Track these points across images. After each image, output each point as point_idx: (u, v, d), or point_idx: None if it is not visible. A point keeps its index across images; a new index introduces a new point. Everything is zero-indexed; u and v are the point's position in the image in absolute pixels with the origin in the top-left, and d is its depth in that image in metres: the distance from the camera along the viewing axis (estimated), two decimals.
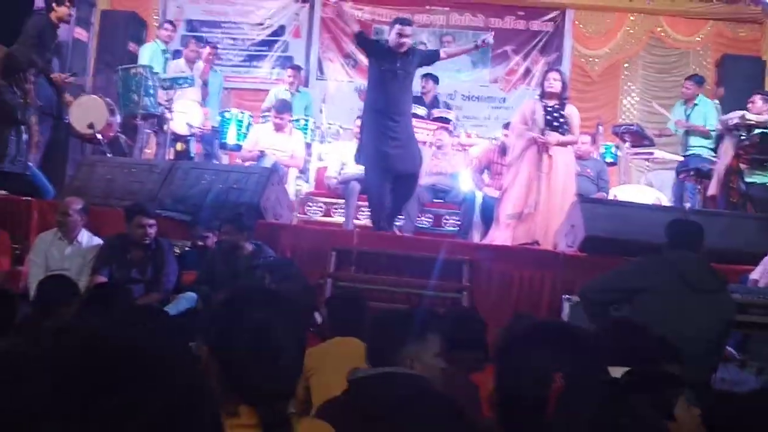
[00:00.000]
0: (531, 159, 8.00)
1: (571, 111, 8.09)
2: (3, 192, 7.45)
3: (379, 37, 7.81)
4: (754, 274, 6.31)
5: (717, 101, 9.89)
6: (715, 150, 9.11)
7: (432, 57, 8.25)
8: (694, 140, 9.93)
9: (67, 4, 8.72)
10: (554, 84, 8.11)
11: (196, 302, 6.25)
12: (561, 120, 8.02)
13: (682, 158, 9.96)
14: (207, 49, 11.29)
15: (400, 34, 7.69)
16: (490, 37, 8.24)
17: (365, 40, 7.85)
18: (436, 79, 10.98)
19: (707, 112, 9.96)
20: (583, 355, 2.00)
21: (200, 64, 10.69)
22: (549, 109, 8.08)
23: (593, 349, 2.08)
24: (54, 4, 8.62)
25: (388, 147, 7.65)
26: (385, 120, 7.70)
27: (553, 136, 7.94)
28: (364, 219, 8.89)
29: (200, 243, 6.93)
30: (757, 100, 9.12)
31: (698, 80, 10.43)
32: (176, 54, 11.57)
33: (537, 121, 8.03)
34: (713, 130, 9.70)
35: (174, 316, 4.94)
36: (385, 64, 7.71)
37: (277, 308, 2.02)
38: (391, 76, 7.69)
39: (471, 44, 8.54)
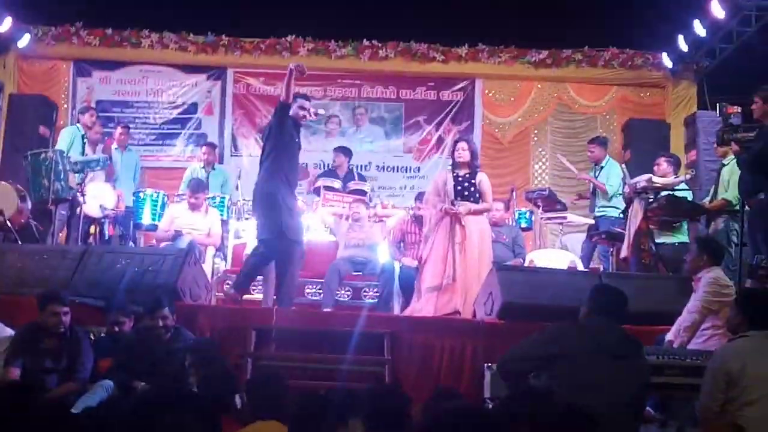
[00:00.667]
0: (445, 230, 8.11)
1: (481, 178, 8.23)
2: None
3: None
4: (669, 335, 6.41)
5: (623, 165, 10.14)
6: (625, 212, 9.32)
7: (279, 110, 7.97)
8: (600, 200, 10.17)
9: None
10: (462, 154, 8.30)
11: (113, 390, 6.11)
12: (471, 189, 8.15)
13: (593, 221, 10.17)
14: (119, 129, 11.24)
15: (302, 108, 7.87)
16: (321, 111, 8.62)
17: (287, 109, 7.83)
18: (347, 152, 11.14)
19: (609, 173, 10.21)
20: None
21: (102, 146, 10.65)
22: (460, 178, 8.24)
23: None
24: None
25: (291, 215, 7.77)
26: (293, 190, 7.96)
27: (464, 206, 8.06)
28: None
29: (116, 328, 6.79)
30: (662, 162, 9.39)
31: (602, 141, 10.73)
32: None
33: (448, 191, 8.19)
34: (618, 193, 9.93)
35: (89, 410, 4.81)
36: (296, 136, 7.89)
37: (188, 409, 2.00)
38: (298, 146, 7.98)
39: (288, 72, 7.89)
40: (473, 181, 8.21)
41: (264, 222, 7.84)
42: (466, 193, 8.17)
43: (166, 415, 1.95)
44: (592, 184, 10.35)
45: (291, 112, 7.81)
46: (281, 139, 7.83)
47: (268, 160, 7.84)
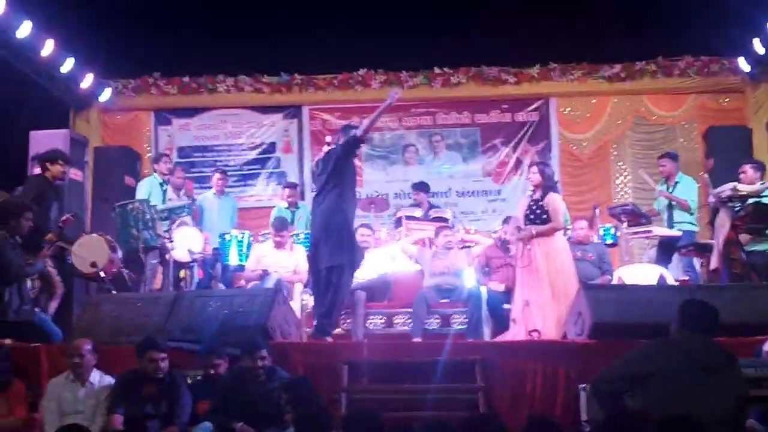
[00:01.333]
0: (517, 256, 8.38)
1: (549, 199, 8.28)
2: (9, 341, 7.45)
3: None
4: (767, 346, 6.29)
5: (706, 174, 9.99)
6: (711, 223, 9.18)
7: (354, 142, 8.27)
8: (678, 216, 10.08)
9: (60, 162, 8.91)
10: (533, 177, 8.53)
11: None
12: (538, 211, 8.24)
13: (680, 233, 10.02)
14: (216, 175, 11.48)
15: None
16: (397, 92, 8.41)
17: (360, 145, 8.08)
18: (424, 188, 11.18)
19: (689, 188, 10.13)
20: None
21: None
22: (532, 203, 8.36)
23: None
24: (48, 164, 8.84)
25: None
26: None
27: (527, 230, 8.21)
28: (372, 327, 8.88)
29: (211, 371, 6.91)
30: (748, 169, 9.24)
31: (672, 156, 10.69)
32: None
33: (519, 218, 8.45)
34: (695, 206, 9.86)
35: None
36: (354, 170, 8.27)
37: None
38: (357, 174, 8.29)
39: (385, 103, 8.24)
40: (541, 203, 8.24)
41: (335, 250, 7.99)
42: (533, 216, 8.28)
43: None
44: (666, 199, 10.30)
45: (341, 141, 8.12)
46: (348, 171, 8.13)
47: (336, 190, 8.05)
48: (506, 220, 9.75)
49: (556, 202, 8.28)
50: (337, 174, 8.07)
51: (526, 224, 8.28)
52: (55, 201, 8.97)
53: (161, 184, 10.87)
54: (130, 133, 13.69)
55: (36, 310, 8.15)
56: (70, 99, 13.04)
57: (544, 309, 7.95)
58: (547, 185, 8.35)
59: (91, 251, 9.05)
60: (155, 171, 11.18)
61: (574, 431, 6.29)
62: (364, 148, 13.29)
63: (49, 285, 8.83)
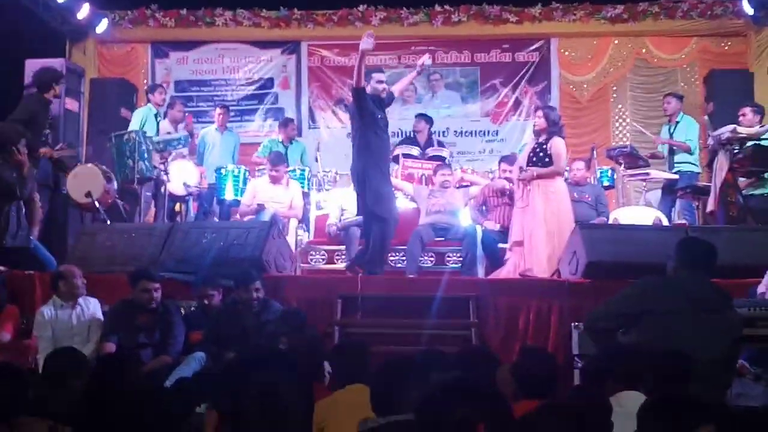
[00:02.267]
0: (516, 195, 8.45)
1: (553, 143, 8.24)
2: (4, 268, 7.45)
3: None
4: (761, 287, 6.30)
5: (706, 117, 9.93)
6: (709, 165, 9.16)
7: (391, 99, 8.51)
8: (679, 157, 10.11)
9: (61, 83, 8.86)
10: (538, 122, 8.48)
11: (205, 361, 6.25)
12: (541, 154, 8.23)
13: (677, 176, 10.02)
14: (218, 110, 11.43)
15: (380, 81, 8.18)
16: (427, 58, 8.54)
17: (361, 93, 8.00)
18: (429, 120, 11.16)
19: (688, 128, 10.15)
20: (502, 407, 2.04)
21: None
22: (536, 146, 8.36)
23: (506, 402, 2.13)
24: (54, 84, 8.78)
25: (381, 195, 7.97)
26: (382, 167, 8.11)
27: (529, 171, 8.21)
28: None
29: (205, 302, 6.93)
30: (748, 112, 9.20)
31: (677, 96, 10.77)
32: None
33: (521, 160, 8.51)
34: (696, 147, 9.86)
35: (183, 380, 4.93)
36: (377, 115, 8.03)
37: (283, 368, 2.04)
38: (382, 127, 8.10)
39: (413, 72, 8.84)
40: (545, 146, 8.21)
41: (358, 200, 8.16)
42: (535, 158, 8.26)
43: (261, 373, 1.99)
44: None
45: (369, 90, 8.00)
46: (362, 121, 8.05)
47: (355, 141, 8.14)
48: (503, 159, 9.72)
49: (559, 146, 8.24)
50: (354, 128, 8.23)
51: (528, 166, 8.25)
52: (47, 123, 8.90)
53: (155, 115, 10.80)
54: (126, 66, 13.56)
55: (31, 238, 8.13)
56: (67, 30, 12.91)
57: (538, 249, 7.97)
58: (552, 130, 8.31)
59: (86, 181, 9.03)
60: (149, 101, 11.11)
61: (565, 365, 6.32)
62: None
63: (32, 210, 8.79)
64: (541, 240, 7.95)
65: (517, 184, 8.49)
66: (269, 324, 6.38)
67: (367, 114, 7.99)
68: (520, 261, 8.11)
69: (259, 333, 6.34)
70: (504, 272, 8.27)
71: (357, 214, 8.44)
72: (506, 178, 9.31)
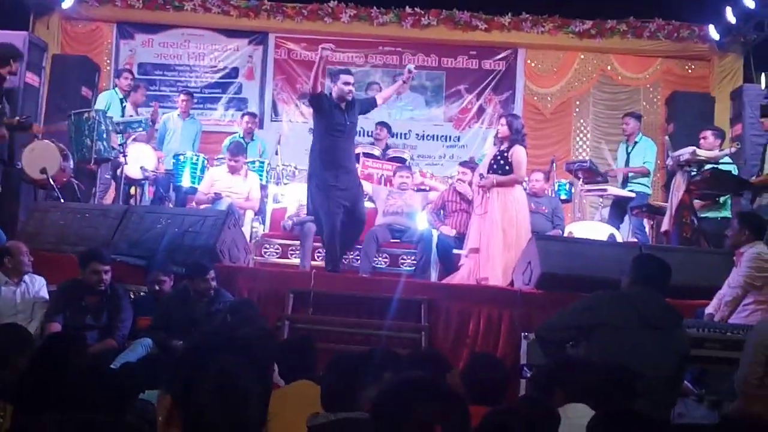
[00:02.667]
0: (475, 202, 8.47)
1: (514, 150, 8.27)
2: None
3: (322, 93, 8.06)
4: (709, 308, 6.38)
5: (667, 138, 10.02)
6: (667, 185, 9.25)
7: (370, 105, 8.61)
8: (632, 177, 10.24)
9: (18, 60, 8.68)
10: (501, 129, 8.51)
11: (151, 348, 6.19)
12: (502, 162, 8.26)
13: (633, 195, 10.11)
14: (181, 96, 11.34)
15: (347, 82, 8.09)
16: (412, 66, 8.48)
17: (318, 99, 7.99)
18: (389, 128, 11.22)
19: (647, 150, 10.28)
20: (463, 409, 2.03)
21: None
22: (497, 153, 8.38)
23: (465, 405, 2.13)
24: (11, 60, 8.60)
25: (336, 194, 7.95)
26: (332, 171, 8.02)
27: (488, 179, 8.24)
28: (320, 260, 8.86)
29: (156, 287, 6.86)
30: (709, 135, 9.33)
31: (636, 116, 10.90)
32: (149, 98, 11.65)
33: (482, 166, 8.55)
34: (652, 169, 10.00)
35: (128, 365, 4.87)
36: (334, 119, 8.02)
37: (240, 354, 2.01)
38: (339, 131, 8.06)
39: (399, 81, 8.80)
40: (506, 154, 8.24)
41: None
42: (496, 166, 8.29)
43: (217, 358, 1.95)
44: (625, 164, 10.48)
45: (335, 92, 8.04)
46: (317, 123, 8.23)
47: (312, 147, 8.28)
48: (463, 164, 9.76)
49: (520, 154, 8.27)
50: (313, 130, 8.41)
51: (488, 173, 8.27)
52: (5, 98, 8.73)
53: (121, 100, 10.69)
54: (90, 44, 13.37)
55: None
56: (32, 2, 12.70)
57: (494, 258, 7.99)
58: (513, 137, 8.33)
59: (42, 157, 8.91)
60: (116, 86, 10.99)
61: (513, 374, 6.33)
62: (327, 82, 13.22)
63: None
64: (498, 248, 7.97)
65: (476, 191, 8.51)
66: (219, 313, 6.34)
67: (321, 119, 8.07)
68: (475, 268, 8.12)
69: (209, 322, 6.29)
70: (458, 278, 8.27)
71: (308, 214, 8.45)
72: (463, 181, 9.35)
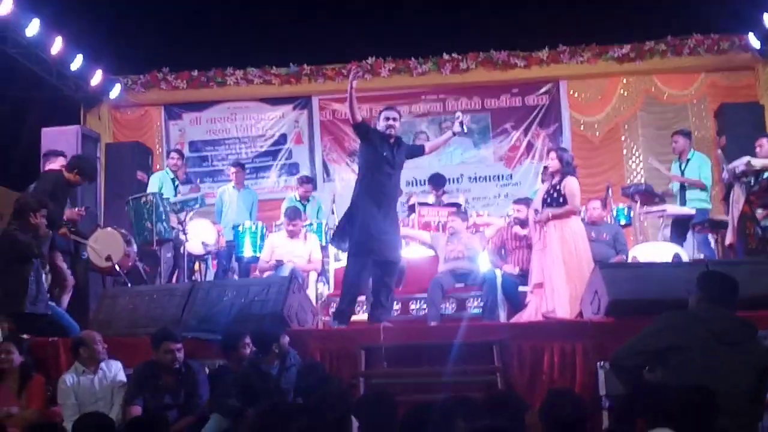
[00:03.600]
0: (534, 238, 8.45)
1: (566, 182, 8.24)
2: (28, 336, 7.48)
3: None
4: None
5: (719, 151, 9.90)
6: (726, 199, 9.14)
7: (416, 151, 8.49)
8: (690, 194, 10.10)
9: (77, 174, 8.93)
10: (551, 163, 8.48)
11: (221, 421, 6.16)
12: (555, 195, 8.25)
13: (693, 212, 9.99)
14: (232, 169, 11.54)
15: (387, 118, 7.97)
16: (461, 116, 8.31)
17: (365, 127, 8.00)
18: (441, 182, 11.22)
19: (701, 166, 10.15)
20: None
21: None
22: (550, 187, 8.39)
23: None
24: (77, 171, 8.86)
25: (377, 233, 7.76)
26: (379, 206, 7.85)
27: (544, 213, 8.21)
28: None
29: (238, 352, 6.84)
30: (764, 142, 9.22)
31: (685, 133, 10.73)
32: (186, 178, 11.89)
33: (536, 202, 8.52)
34: (709, 184, 9.89)
35: None
36: (382, 152, 7.88)
37: (314, 417, 2.04)
38: (387, 161, 7.88)
39: (449, 133, 8.52)
40: (559, 187, 8.23)
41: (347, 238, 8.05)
42: (550, 200, 8.28)
43: (292, 423, 1.99)
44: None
45: (379, 127, 7.97)
46: (362, 157, 8.12)
47: (357, 179, 8.09)
48: (516, 201, 9.75)
49: (572, 185, 8.25)
50: (358, 166, 8.27)
51: (543, 207, 8.27)
52: (66, 201, 8.99)
53: (173, 180, 10.90)
54: (140, 129, 13.74)
55: (51, 303, 8.17)
56: (81, 96, 13.10)
57: (558, 291, 7.95)
58: (565, 170, 8.32)
59: (106, 245, 9.08)
60: (166, 166, 11.22)
61: (593, 406, 6.26)
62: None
63: (60, 279, 8.85)
64: (561, 281, 7.93)
65: (533, 227, 8.50)
66: (293, 368, 6.41)
67: (370, 148, 7.94)
68: (541, 303, 8.10)
69: (286, 379, 6.35)
70: (526, 315, 8.27)
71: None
72: (517, 218, 9.35)
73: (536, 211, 8.36)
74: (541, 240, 8.22)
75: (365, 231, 7.77)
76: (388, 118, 7.99)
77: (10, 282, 7.76)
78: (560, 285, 7.92)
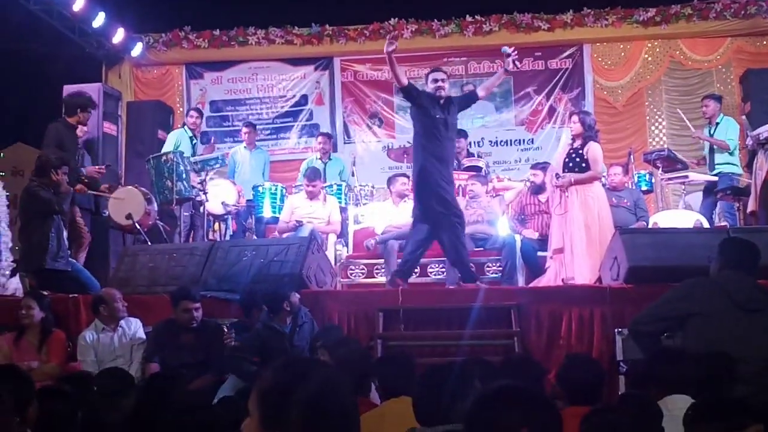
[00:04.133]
0: (555, 203, 8.34)
1: (589, 147, 8.16)
2: (47, 292, 7.54)
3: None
4: None
5: (744, 117, 9.80)
6: (749, 165, 9.06)
7: (470, 99, 8.37)
8: (719, 158, 10.03)
9: (90, 110, 8.95)
10: (574, 127, 8.41)
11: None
12: (578, 159, 8.15)
13: (716, 178, 9.93)
14: (244, 129, 11.51)
15: (435, 80, 7.87)
16: (510, 51, 8.08)
17: (414, 90, 7.94)
18: (465, 135, 11.04)
19: (728, 128, 10.07)
20: (548, 413, 2.04)
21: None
22: (571, 151, 8.28)
23: (553, 407, 2.13)
24: (80, 110, 8.88)
25: (443, 193, 7.74)
26: (441, 167, 7.80)
27: (566, 177, 8.13)
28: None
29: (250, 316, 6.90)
30: None
31: (716, 97, 10.68)
32: (204, 136, 11.87)
33: (557, 165, 8.38)
34: (735, 147, 9.80)
35: (227, 398, 4.93)
36: (434, 112, 7.81)
37: (331, 374, 2.03)
38: (442, 123, 7.80)
39: (501, 71, 8.40)
40: (581, 151, 8.16)
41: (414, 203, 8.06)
42: (572, 164, 8.19)
43: (311, 378, 1.97)
44: (707, 143, 10.22)
45: (428, 89, 7.89)
46: (416, 120, 7.97)
47: (416, 145, 7.97)
48: (534, 166, 9.71)
49: (595, 150, 8.18)
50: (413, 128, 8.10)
51: (564, 172, 8.20)
52: (75, 146, 8.99)
53: (191, 138, 10.87)
54: (162, 88, 13.73)
55: (71, 260, 8.23)
56: (102, 54, 13.09)
57: (578, 256, 7.92)
58: (587, 134, 8.25)
59: (127, 203, 9.12)
60: (184, 124, 11.20)
61: (611, 371, 6.26)
62: (396, 99, 13.29)
63: (77, 235, 8.91)
64: (582, 247, 7.89)
65: (553, 191, 8.45)
66: (306, 324, 6.54)
67: (423, 113, 7.84)
68: (560, 269, 8.07)
69: (300, 335, 6.42)
70: (545, 280, 8.24)
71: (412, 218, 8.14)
72: (533, 183, 9.38)
73: (557, 175, 8.29)
74: (561, 205, 8.16)
75: (425, 192, 7.80)
76: (436, 80, 7.89)
77: (31, 238, 7.85)
78: (581, 251, 7.88)
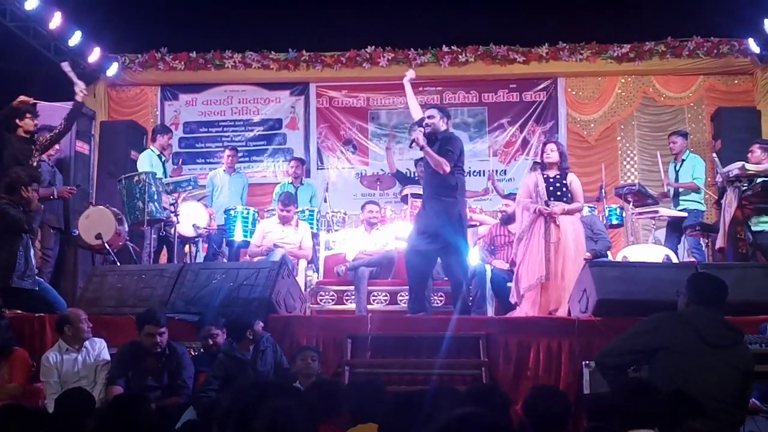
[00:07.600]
0: (539, 230, 8.11)
1: (572, 179, 8.19)
2: (16, 310, 7.46)
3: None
4: None
5: (714, 155, 9.90)
6: (719, 202, 9.16)
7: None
8: (684, 195, 10.18)
9: (29, 115, 8.78)
10: (551, 155, 8.34)
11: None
12: (563, 189, 8.12)
13: (686, 214, 10.03)
14: (227, 152, 11.49)
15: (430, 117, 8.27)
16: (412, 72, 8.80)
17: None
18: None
19: (695, 166, 10.23)
20: None
21: None
22: (550, 180, 8.23)
23: None
24: (17, 120, 8.70)
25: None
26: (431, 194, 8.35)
27: (558, 206, 8.06)
28: (376, 304, 8.90)
29: (210, 342, 6.86)
30: (756, 149, 9.24)
31: (682, 134, 10.93)
32: (176, 157, 11.84)
33: (540, 192, 8.19)
34: (702, 185, 9.95)
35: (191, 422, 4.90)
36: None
37: (293, 397, 2.03)
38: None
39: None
40: (564, 181, 8.18)
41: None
42: (559, 193, 8.16)
43: (272, 400, 1.97)
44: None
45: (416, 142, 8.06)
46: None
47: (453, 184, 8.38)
48: (506, 196, 9.73)
49: (577, 183, 8.22)
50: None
51: (550, 200, 8.13)
52: (30, 160, 8.80)
53: (159, 157, 10.80)
54: (136, 107, 13.70)
55: (39, 279, 8.14)
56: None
57: (567, 287, 7.84)
58: (563, 165, 8.29)
59: (97, 223, 9.06)
60: (153, 144, 11.13)
61: (577, 405, 6.27)
62: (370, 126, 13.34)
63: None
64: (574, 277, 7.79)
65: (525, 217, 8.30)
66: (268, 350, 6.49)
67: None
68: (541, 298, 7.97)
69: (262, 360, 6.39)
70: (522, 312, 8.12)
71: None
72: (504, 213, 9.42)
73: (547, 202, 8.16)
74: (548, 232, 8.11)
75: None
76: (423, 122, 8.20)
77: None
78: (570, 282, 7.83)
